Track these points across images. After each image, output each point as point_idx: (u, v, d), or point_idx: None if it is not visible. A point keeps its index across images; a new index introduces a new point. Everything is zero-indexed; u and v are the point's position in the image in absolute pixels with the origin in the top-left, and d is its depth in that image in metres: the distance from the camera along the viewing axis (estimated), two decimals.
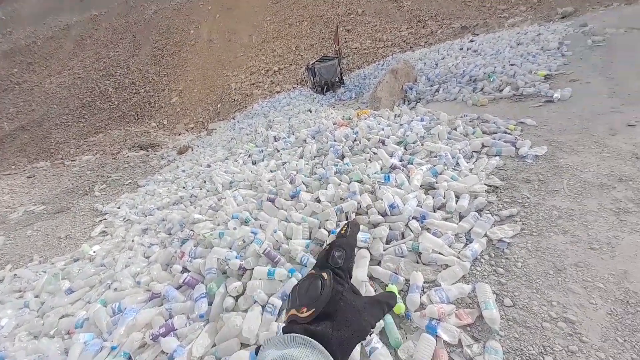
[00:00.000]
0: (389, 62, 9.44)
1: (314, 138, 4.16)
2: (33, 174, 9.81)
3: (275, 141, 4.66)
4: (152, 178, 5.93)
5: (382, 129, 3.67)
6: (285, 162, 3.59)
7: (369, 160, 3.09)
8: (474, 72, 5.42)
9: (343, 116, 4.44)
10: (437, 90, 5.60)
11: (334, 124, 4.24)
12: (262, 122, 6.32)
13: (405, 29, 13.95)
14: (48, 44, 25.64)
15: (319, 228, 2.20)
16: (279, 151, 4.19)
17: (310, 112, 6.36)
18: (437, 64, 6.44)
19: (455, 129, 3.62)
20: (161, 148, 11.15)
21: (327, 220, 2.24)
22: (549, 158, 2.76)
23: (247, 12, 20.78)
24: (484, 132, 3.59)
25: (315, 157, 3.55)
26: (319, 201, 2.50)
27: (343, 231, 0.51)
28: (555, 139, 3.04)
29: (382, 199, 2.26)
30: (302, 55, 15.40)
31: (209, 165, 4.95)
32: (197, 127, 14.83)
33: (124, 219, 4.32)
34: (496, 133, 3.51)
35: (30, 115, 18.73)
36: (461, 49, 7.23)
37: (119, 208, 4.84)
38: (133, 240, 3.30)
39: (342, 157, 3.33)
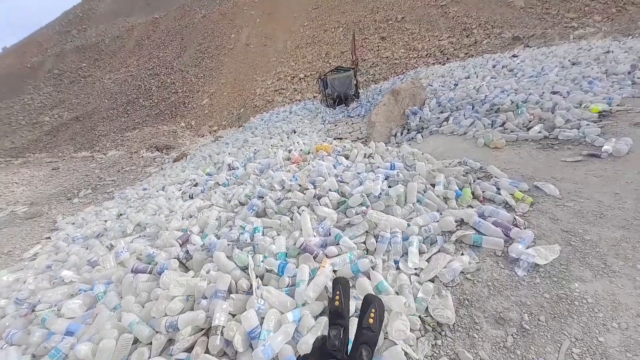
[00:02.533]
0: (409, 75, 8.19)
1: (260, 174, 3.37)
2: (58, 167, 10.51)
3: (230, 169, 3.98)
4: (124, 191, 5.66)
5: (332, 176, 2.74)
6: (202, 209, 2.86)
7: (288, 224, 2.23)
8: (499, 100, 4.13)
9: (301, 149, 3.57)
10: (447, 119, 4.42)
11: (287, 159, 3.41)
12: (240, 140, 5.69)
13: (446, 37, 12.41)
14: (114, 43, 28.60)
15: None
16: (220, 185, 3.49)
17: (295, 132, 5.57)
18: (456, 84, 5.16)
19: (434, 186, 2.56)
20: (174, 150, 11.28)
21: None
22: (556, 275, 1.62)
23: (287, 17, 20.76)
24: (475, 196, 2.48)
25: (237, 206, 2.76)
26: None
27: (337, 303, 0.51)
28: (580, 234, 1.85)
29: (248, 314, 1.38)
30: (330, 63, 14.67)
31: (144, 189, 4.48)
32: (219, 130, 14.97)
33: (64, 239, 3.99)
34: (493, 201, 2.39)
35: (85, 107, 20.83)
36: (494, 67, 5.77)
37: (73, 224, 4.59)
38: (25, 282, 2.83)
39: (264, 213, 2.50)
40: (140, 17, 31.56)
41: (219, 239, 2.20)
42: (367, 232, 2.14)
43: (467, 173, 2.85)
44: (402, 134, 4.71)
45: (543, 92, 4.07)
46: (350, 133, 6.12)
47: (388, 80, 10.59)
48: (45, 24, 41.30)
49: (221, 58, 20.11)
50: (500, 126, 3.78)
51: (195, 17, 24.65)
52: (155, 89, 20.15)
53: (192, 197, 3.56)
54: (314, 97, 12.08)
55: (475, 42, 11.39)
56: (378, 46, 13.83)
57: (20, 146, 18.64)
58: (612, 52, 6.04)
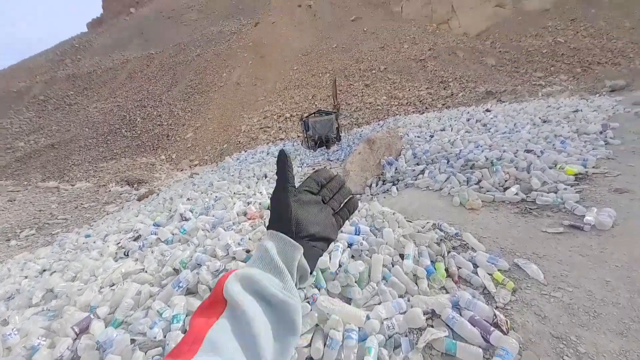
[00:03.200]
0: (389, 122, 8.31)
1: (211, 230, 2.94)
2: (15, 198, 9.63)
3: (183, 220, 3.52)
4: (67, 236, 5.00)
5: None
6: (128, 275, 2.35)
7: None
8: (473, 155, 4.01)
9: (261, 202, 3.20)
10: (422, 172, 4.24)
11: (244, 214, 3.01)
12: (206, 183, 5.28)
13: (425, 88, 13.10)
14: (106, 74, 28.93)
15: None
16: (162, 242, 3.00)
17: (266, 177, 5.26)
18: (432, 136, 5.12)
19: (403, 258, 2.20)
20: (146, 185, 10.68)
21: None
22: None
23: (278, 60, 21.79)
24: (449, 274, 2.13)
25: (170, 275, 2.28)
26: None
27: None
28: (573, 343, 1.49)
29: None
30: (316, 105, 15.06)
31: (87, 236, 3.91)
32: (199, 165, 14.57)
33: None
34: (469, 283, 2.04)
35: (64, 135, 20.20)
36: (468, 120, 5.87)
37: None
38: None
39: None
40: (136, 51, 32.53)
41: (129, 326, 1.71)
42: (317, 325, 1.70)
43: (441, 241, 2.53)
44: (377, 184, 4.47)
45: (517, 150, 3.99)
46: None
47: (370, 124, 10.78)
48: (39, 51, 41.93)
49: (211, 94, 20.45)
50: (475, 184, 3.58)
51: (189, 55, 25.55)
52: (140, 120, 19.95)
53: (127, 255, 3.03)
54: (298, 136, 12.08)
55: (452, 94, 12.03)
56: (362, 92, 14.42)
57: None
58: (581, 110, 6.30)
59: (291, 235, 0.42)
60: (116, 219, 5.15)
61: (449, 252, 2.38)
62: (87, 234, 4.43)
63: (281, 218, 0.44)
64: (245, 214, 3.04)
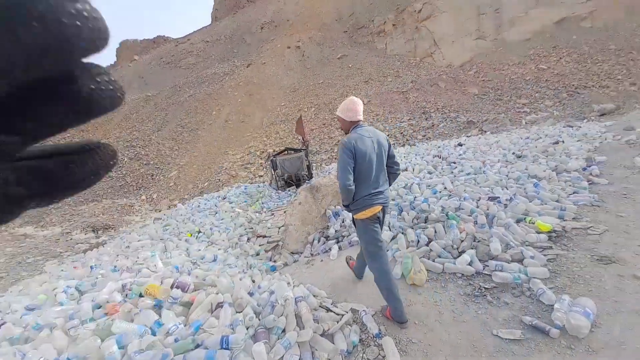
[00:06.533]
0: None
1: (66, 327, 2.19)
2: None
3: (57, 304, 2.78)
4: None
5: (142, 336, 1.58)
6: None
7: None
8: (427, 206, 3.31)
9: (130, 289, 2.46)
10: None
11: (107, 303, 2.28)
12: (122, 245, 4.52)
13: (407, 119, 12.80)
14: (103, 116, 29.61)
15: None
16: (7, 339, 2.25)
17: (199, 233, 4.55)
18: None
19: None
20: (112, 231, 9.99)
21: None
22: None
23: (266, 98, 22.12)
24: None
25: None
26: None
27: None
28: None
29: None
30: (299, 139, 14.80)
31: None
32: (170, 207, 13.95)
33: None
34: None
35: None
36: (435, 157, 5.22)
37: None
38: None
39: None
40: (135, 94, 33.70)
41: None
42: None
43: (354, 348, 1.76)
44: (319, 241, 3.73)
45: (479, 198, 3.29)
46: (279, 228, 5.13)
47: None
48: None
49: (199, 132, 20.49)
50: (426, 244, 2.84)
51: (182, 96, 26.23)
52: (128, 160, 19.80)
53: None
54: (260, 176, 11.55)
55: (433, 125, 11.64)
56: None
57: None
58: (563, 142, 5.67)
59: None
60: (27, 285, 4.38)
61: None
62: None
63: None
64: (108, 302, 2.29)
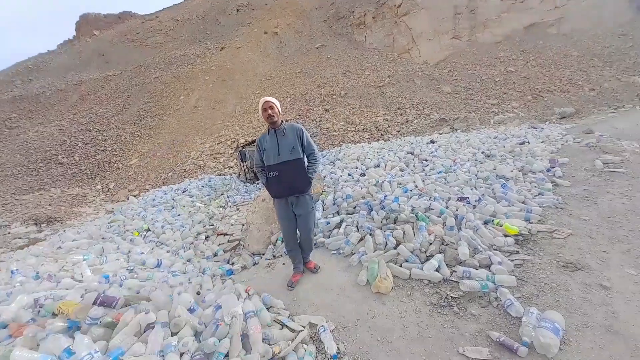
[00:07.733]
0: (329, 154, 7.45)
1: None
2: None
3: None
4: None
5: None
6: None
7: None
8: (396, 206, 3.14)
9: (42, 305, 2.04)
10: (339, 226, 3.30)
11: (12, 322, 1.85)
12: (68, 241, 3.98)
13: (382, 114, 12.77)
14: (55, 95, 26.66)
15: None
16: None
17: (149, 231, 4.09)
18: (363, 174, 4.27)
19: None
20: (58, 224, 8.97)
21: None
22: None
23: (240, 84, 21.08)
24: None
25: None
26: None
27: None
28: None
29: None
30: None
31: None
32: (140, 195, 12.94)
33: None
34: None
35: None
36: (407, 154, 5.13)
37: None
38: None
39: None
40: (94, 73, 30.68)
41: None
42: None
43: None
44: (282, 241, 3.44)
45: (449, 198, 3.17)
46: (243, 225, 4.76)
47: (323, 151, 9.97)
48: None
49: (164, 118, 19.11)
50: (394, 247, 2.67)
51: (147, 78, 24.27)
52: (82, 146, 18.02)
53: None
54: (229, 168, 10.99)
55: (407, 121, 11.71)
56: (321, 117, 13.85)
57: None
58: (528, 142, 5.81)
59: None
60: None
61: None
62: None
63: None
64: (14, 321, 1.85)
